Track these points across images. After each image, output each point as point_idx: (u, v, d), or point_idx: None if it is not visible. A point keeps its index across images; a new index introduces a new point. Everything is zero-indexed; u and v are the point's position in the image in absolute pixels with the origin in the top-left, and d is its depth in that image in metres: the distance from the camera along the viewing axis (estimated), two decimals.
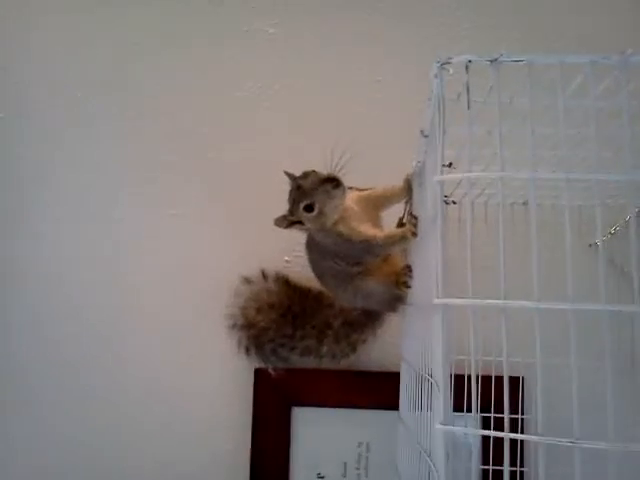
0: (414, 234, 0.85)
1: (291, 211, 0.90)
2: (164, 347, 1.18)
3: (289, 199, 0.91)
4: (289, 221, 0.91)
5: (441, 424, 0.42)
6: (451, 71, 0.49)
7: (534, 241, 0.40)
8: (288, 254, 1.17)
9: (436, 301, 0.45)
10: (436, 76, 0.48)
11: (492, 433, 0.43)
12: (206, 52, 1.23)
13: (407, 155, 0.92)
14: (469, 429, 0.42)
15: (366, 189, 0.97)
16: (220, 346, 1.16)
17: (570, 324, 0.43)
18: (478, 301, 0.42)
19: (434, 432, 0.46)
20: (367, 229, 0.91)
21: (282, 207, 0.93)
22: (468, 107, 0.46)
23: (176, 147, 1.22)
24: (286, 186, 0.94)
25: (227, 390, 1.17)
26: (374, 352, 1.14)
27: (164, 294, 1.19)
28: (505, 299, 0.42)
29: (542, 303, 0.41)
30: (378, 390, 1.10)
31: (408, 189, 0.93)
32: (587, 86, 0.51)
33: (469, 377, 0.71)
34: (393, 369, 1.08)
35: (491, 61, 0.46)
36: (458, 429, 0.43)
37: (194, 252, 1.20)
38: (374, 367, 1.14)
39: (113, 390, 1.18)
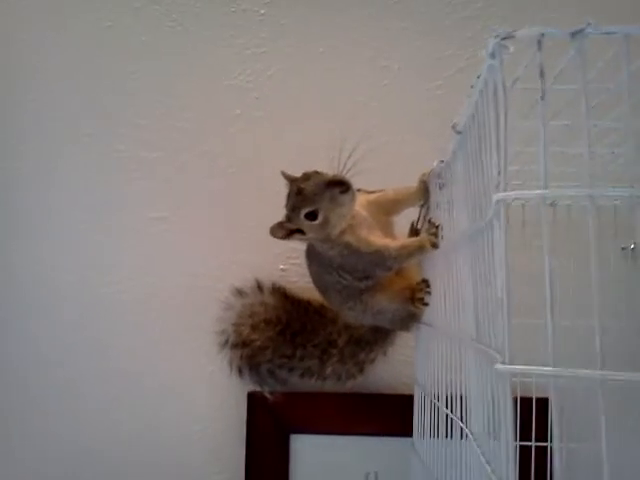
0: (434, 245, 0.73)
1: (289, 218, 0.77)
2: (146, 367, 1.06)
3: (287, 204, 0.77)
4: (287, 230, 0.78)
5: None
6: (512, 49, 0.36)
7: None
8: (284, 262, 1.05)
9: (500, 367, 0.32)
10: (493, 55, 0.36)
11: None
12: (189, 36, 1.09)
13: (419, 151, 0.82)
14: None
15: (375, 191, 0.84)
16: (209, 366, 1.04)
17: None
18: (566, 371, 0.30)
19: None
20: (378, 238, 0.78)
21: (278, 212, 0.80)
22: (542, 97, 0.33)
23: (157, 143, 1.08)
24: (283, 188, 0.81)
25: (217, 416, 1.04)
26: (383, 372, 1.02)
27: (146, 305, 1.06)
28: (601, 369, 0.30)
29: None
30: (388, 415, 0.98)
31: (424, 191, 0.81)
32: None
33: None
34: (405, 391, 0.97)
35: (573, 34, 0.33)
36: None
37: (180, 259, 1.07)
38: (383, 389, 1.02)
39: (98, 416, 1.06)
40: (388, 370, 1.02)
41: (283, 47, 1.08)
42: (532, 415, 0.86)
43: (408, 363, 0.98)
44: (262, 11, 1.08)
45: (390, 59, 1.06)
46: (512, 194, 0.34)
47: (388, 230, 0.83)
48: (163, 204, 1.07)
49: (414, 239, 0.78)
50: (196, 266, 1.06)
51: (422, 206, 0.83)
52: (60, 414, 1.06)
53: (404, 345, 0.99)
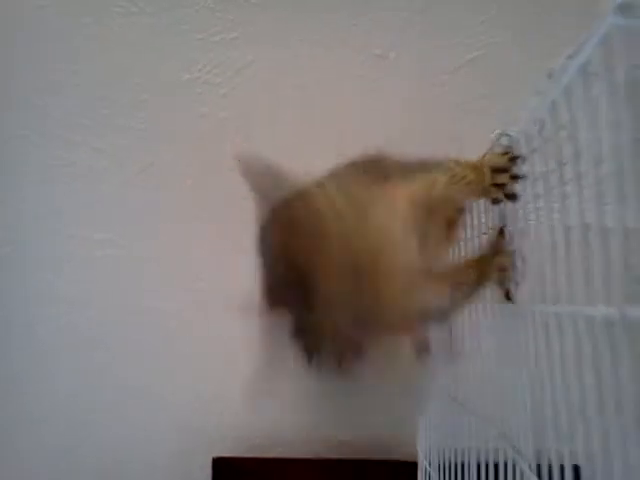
0: (506, 296, 0.46)
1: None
2: (97, 419, 0.89)
3: (264, 256, 0.49)
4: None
5: None
6: None
7: None
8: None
9: None
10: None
11: None
12: (142, 19, 0.92)
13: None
14: None
15: (415, 168, 0.52)
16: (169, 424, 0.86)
17: None
18: None
19: None
20: (416, 284, 0.49)
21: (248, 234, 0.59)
22: None
23: (102, 149, 0.91)
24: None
25: None
26: (376, 431, 0.84)
27: (84, 349, 0.89)
28: None
29: None
30: None
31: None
32: None
33: None
34: (404, 456, 0.81)
35: None
36: None
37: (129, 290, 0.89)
38: (377, 452, 0.85)
39: None
40: (382, 427, 0.84)
41: (255, 33, 0.92)
42: None
43: (405, 420, 0.80)
44: None
45: (385, 47, 0.91)
46: None
47: (446, 241, 0.54)
48: (109, 223, 0.90)
49: (473, 268, 0.50)
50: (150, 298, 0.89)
51: (494, 202, 0.49)
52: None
53: (405, 410, 0.81)
